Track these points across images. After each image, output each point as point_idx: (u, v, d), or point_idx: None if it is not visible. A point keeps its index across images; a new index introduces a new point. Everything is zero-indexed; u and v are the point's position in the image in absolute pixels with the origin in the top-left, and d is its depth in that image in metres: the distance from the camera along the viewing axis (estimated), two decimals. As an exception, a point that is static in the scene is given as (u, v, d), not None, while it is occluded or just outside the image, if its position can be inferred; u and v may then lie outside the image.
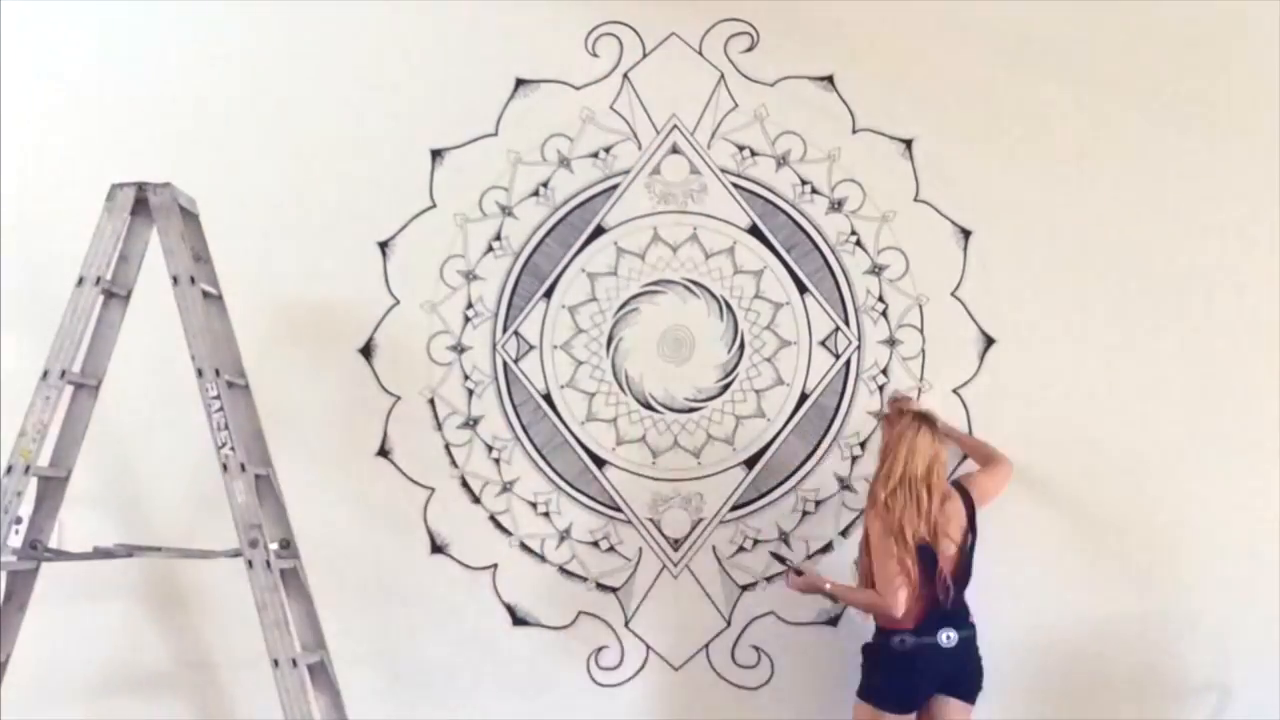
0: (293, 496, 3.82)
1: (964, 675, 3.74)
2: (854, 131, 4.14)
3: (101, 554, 3.69)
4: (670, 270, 4.14)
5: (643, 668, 4.07)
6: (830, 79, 4.14)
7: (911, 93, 4.13)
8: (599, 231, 4.14)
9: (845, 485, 4.09)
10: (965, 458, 4.01)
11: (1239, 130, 4.10)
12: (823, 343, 4.12)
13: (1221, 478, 4.04)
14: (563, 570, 4.10)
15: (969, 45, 4.13)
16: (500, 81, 4.14)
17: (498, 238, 4.15)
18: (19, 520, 3.95)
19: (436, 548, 4.07)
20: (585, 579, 4.07)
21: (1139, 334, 4.08)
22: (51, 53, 4.14)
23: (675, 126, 4.15)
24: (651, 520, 4.10)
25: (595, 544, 4.09)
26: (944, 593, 3.66)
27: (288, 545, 3.74)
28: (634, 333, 4.13)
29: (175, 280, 3.66)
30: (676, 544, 4.10)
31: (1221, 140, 4.10)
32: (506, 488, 4.11)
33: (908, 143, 4.13)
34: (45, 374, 3.62)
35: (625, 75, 4.15)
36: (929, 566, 3.66)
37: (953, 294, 4.11)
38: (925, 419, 3.75)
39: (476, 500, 4.08)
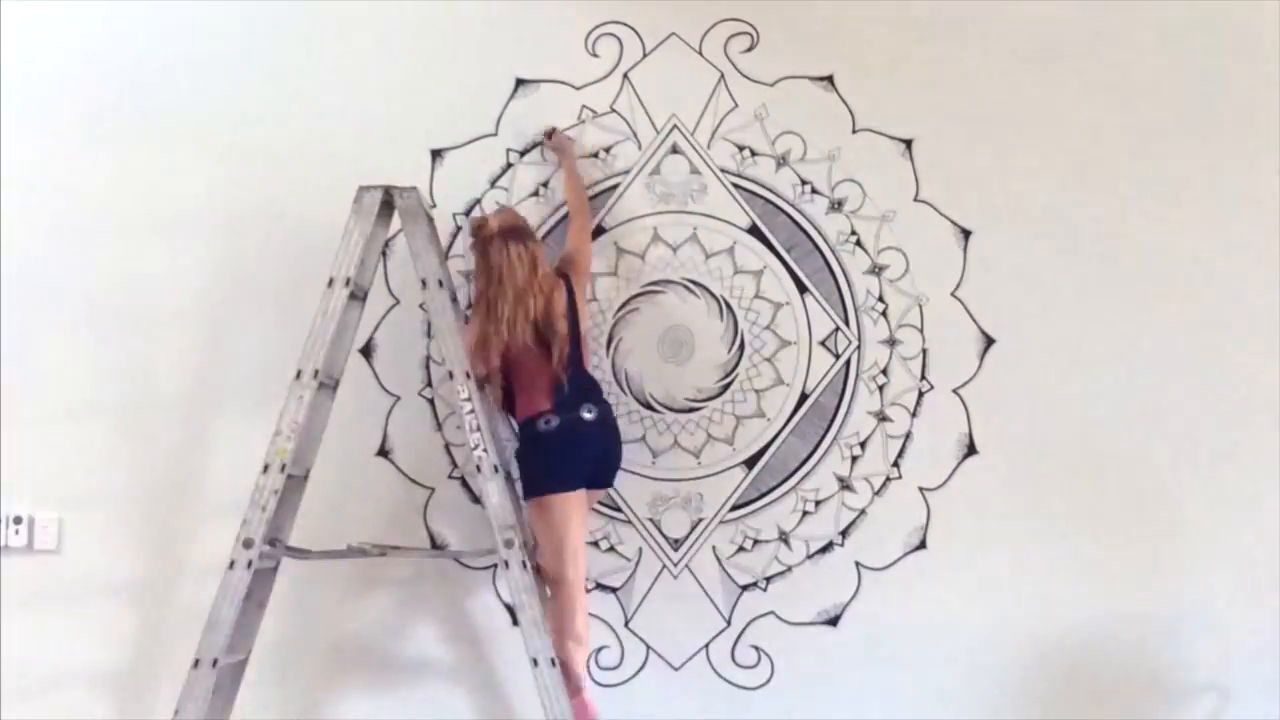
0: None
1: (612, 455, 3.86)
2: (854, 131, 4.13)
3: (355, 553, 3.69)
4: (670, 270, 4.14)
5: (643, 668, 4.07)
6: (830, 79, 4.14)
7: (911, 93, 4.13)
8: (599, 231, 4.13)
9: (845, 485, 4.09)
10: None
11: (1239, 130, 4.11)
12: (823, 343, 4.12)
13: (1221, 478, 4.05)
14: (563, 570, 4.09)
15: (969, 45, 4.14)
16: (500, 81, 4.14)
17: (498, 238, 4.14)
18: (18, 520, 3.96)
19: (436, 548, 4.07)
20: (585, 579, 4.07)
21: (1139, 334, 4.08)
22: (51, 52, 4.13)
23: (675, 126, 4.15)
24: (651, 520, 4.09)
25: (595, 544, 4.08)
26: (563, 369, 3.73)
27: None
28: (634, 333, 4.13)
29: (424, 283, 3.68)
30: (676, 544, 4.09)
31: (1222, 140, 4.11)
32: (506, 488, 4.10)
33: (908, 143, 4.13)
34: (299, 374, 3.62)
35: (625, 75, 4.15)
36: (545, 355, 3.74)
37: (953, 294, 4.11)
38: (508, 233, 3.76)
39: (476, 500, 4.07)
